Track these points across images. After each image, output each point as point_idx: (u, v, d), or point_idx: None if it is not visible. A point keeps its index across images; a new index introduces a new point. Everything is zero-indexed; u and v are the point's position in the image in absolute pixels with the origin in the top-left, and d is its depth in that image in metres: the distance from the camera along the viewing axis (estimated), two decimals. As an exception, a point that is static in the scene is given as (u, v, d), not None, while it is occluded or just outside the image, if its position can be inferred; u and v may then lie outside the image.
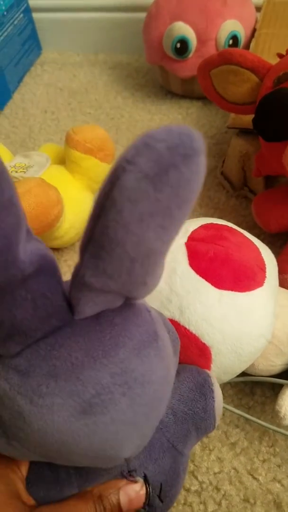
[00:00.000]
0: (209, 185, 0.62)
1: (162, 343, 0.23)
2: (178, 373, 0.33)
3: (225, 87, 0.49)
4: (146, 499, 0.27)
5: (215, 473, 0.39)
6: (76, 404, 0.20)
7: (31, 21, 0.87)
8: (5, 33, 0.79)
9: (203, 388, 0.32)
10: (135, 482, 0.27)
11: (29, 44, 0.87)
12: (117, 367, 0.20)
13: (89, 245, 0.17)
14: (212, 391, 0.32)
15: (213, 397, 0.32)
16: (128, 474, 0.27)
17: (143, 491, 0.27)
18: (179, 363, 0.35)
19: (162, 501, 0.29)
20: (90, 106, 0.79)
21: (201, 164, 0.16)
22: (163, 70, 0.74)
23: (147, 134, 0.15)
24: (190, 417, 0.31)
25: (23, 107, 0.80)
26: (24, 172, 0.52)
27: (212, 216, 0.58)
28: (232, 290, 0.33)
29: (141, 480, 0.27)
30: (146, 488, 0.27)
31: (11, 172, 0.52)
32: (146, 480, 0.27)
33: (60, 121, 0.77)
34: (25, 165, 0.54)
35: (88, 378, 0.20)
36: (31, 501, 0.26)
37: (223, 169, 0.61)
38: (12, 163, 0.55)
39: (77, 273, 0.18)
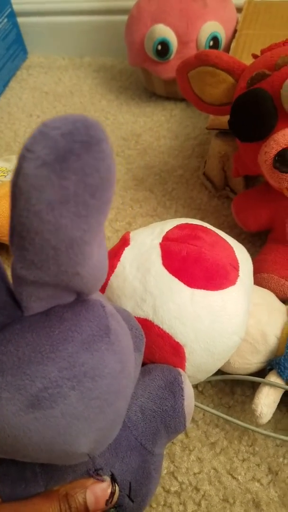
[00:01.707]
0: (192, 186, 0.62)
1: (116, 337, 0.23)
2: (149, 371, 0.33)
3: (203, 88, 0.49)
4: (112, 497, 0.27)
5: (195, 474, 0.39)
6: (24, 398, 0.20)
7: (15, 25, 0.88)
8: (-11, 38, 0.79)
9: (173, 386, 0.32)
10: (102, 481, 0.27)
11: (14, 48, 0.88)
12: (65, 361, 0.21)
13: (13, 237, 0.17)
14: (181, 389, 0.32)
15: (182, 395, 0.32)
16: (94, 473, 0.27)
17: (109, 490, 0.27)
18: (154, 362, 0.35)
19: (132, 501, 0.29)
20: (75, 110, 0.79)
21: (105, 152, 0.16)
22: (146, 72, 0.74)
23: (43, 122, 0.15)
24: (159, 415, 0.31)
25: (9, 111, 0.81)
26: (5, 176, 0.52)
27: (194, 216, 0.58)
28: (204, 288, 0.33)
29: (108, 478, 0.27)
30: (113, 487, 0.27)
31: (-9, 175, 0.52)
32: (113, 479, 0.27)
33: (44, 124, 0.77)
34: (6, 169, 0.54)
35: (35, 373, 0.20)
36: None
37: (205, 170, 0.61)
38: (-7, 167, 0.55)
39: (12, 266, 0.19)
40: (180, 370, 0.34)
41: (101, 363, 0.22)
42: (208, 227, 0.38)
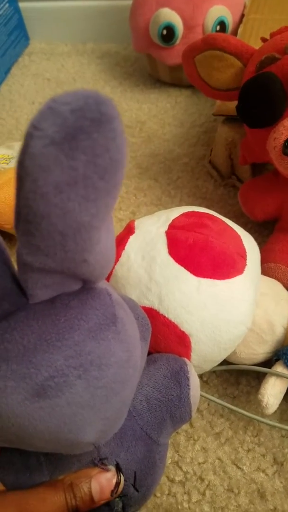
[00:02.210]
0: (197, 175, 0.61)
1: (122, 326, 0.22)
2: (155, 361, 0.33)
3: (209, 73, 0.48)
4: (117, 487, 0.26)
5: (199, 463, 0.39)
6: (29, 387, 0.20)
7: (17, 10, 0.86)
8: (-9, 23, 0.78)
9: (178, 375, 0.32)
10: (107, 470, 0.27)
11: (16, 34, 0.86)
12: (72, 350, 0.20)
13: (19, 222, 0.16)
14: (187, 379, 0.32)
15: (188, 385, 0.32)
16: (99, 462, 0.27)
17: (114, 479, 0.26)
18: (159, 352, 0.34)
19: (137, 490, 0.28)
20: (78, 96, 0.78)
21: (117, 130, 0.15)
22: (151, 58, 0.73)
23: (52, 98, 0.14)
24: (164, 404, 0.31)
25: (10, 99, 0.79)
26: (7, 163, 0.51)
27: (199, 205, 0.57)
28: (211, 277, 0.33)
29: (113, 468, 0.27)
30: (119, 477, 0.27)
31: (-6, 163, 0.51)
32: (118, 468, 0.27)
33: (47, 111, 0.76)
34: (8, 156, 0.53)
35: (40, 361, 0.20)
36: (0, 486, 0.26)
37: (211, 158, 0.60)
38: (-4, 154, 0.54)
39: (17, 253, 0.18)
40: (186, 359, 0.34)
41: (107, 352, 0.21)
42: (215, 215, 0.38)
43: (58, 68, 0.85)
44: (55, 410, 0.20)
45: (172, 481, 0.38)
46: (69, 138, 0.14)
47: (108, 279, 0.37)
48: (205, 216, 0.37)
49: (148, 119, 0.71)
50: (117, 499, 0.28)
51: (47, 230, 0.16)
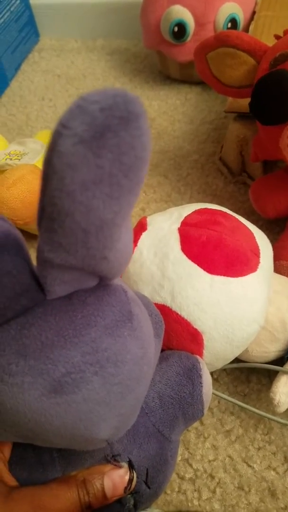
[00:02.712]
0: (207, 172, 0.61)
1: (138, 323, 0.22)
2: (167, 358, 0.33)
3: (222, 70, 0.48)
4: (130, 484, 0.26)
5: (209, 461, 0.39)
6: (47, 383, 0.20)
7: (28, 7, 0.86)
8: (1, 20, 0.78)
9: (191, 373, 0.32)
10: (120, 467, 0.27)
11: (27, 31, 0.86)
12: (89, 346, 0.20)
13: (42, 219, 0.17)
14: (200, 376, 0.32)
15: (201, 383, 0.32)
16: (112, 459, 0.27)
17: (127, 476, 0.26)
18: (171, 349, 0.34)
19: (149, 487, 0.28)
20: (88, 93, 0.78)
21: (143, 128, 0.15)
22: (161, 55, 0.72)
23: (81, 96, 0.14)
24: (177, 402, 0.31)
25: (21, 95, 0.79)
26: (19, 159, 0.51)
27: (209, 202, 0.57)
28: (224, 275, 0.33)
29: (125, 465, 0.27)
30: (131, 473, 0.27)
31: (5, 159, 0.51)
32: (131, 465, 0.27)
33: (57, 108, 0.76)
34: (20, 152, 0.53)
35: (58, 357, 0.20)
36: (13, 482, 0.26)
37: (221, 154, 0.60)
38: (7, 150, 0.54)
39: (38, 249, 0.18)
40: (198, 357, 0.34)
41: (123, 349, 0.21)
42: (228, 212, 0.38)
43: (68, 65, 0.85)
44: (72, 406, 0.20)
45: (182, 478, 0.38)
46: (98, 137, 0.14)
47: (120, 276, 0.37)
48: (218, 213, 0.37)
49: (158, 116, 0.71)
50: (129, 496, 0.28)
51: (70, 228, 0.16)
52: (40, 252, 0.18)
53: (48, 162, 0.15)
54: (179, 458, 0.39)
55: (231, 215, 0.37)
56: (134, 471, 0.27)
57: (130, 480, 0.27)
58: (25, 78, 0.83)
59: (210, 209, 0.37)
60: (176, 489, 0.38)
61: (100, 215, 0.16)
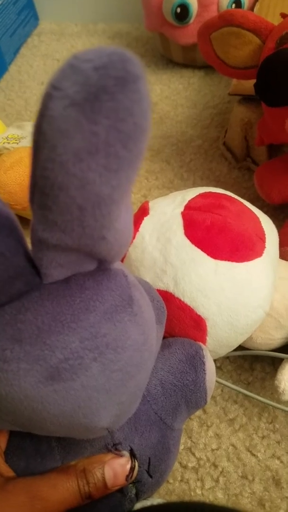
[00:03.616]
0: (211, 157, 0.60)
1: (139, 309, 0.21)
2: (169, 345, 0.32)
3: (226, 51, 0.46)
4: (131, 473, 0.26)
5: (213, 450, 0.38)
6: (43, 369, 0.19)
7: (27, -11, 0.84)
8: None
9: (194, 360, 0.31)
10: (121, 456, 0.26)
11: (25, 14, 0.84)
12: (87, 332, 0.19)
13: (34, 194, 0.15)
14: (203, 363, 0.31)
15: (204, 370, 0.31)
16: (113, 447, 0.26)
17: (129, 465, 0.26)
18: (174, 336, 0.33)
19: (151, 476, 0.28)
20: (89, 78, 0.76)
21: (142, 92, 0.14)
22: (164, 38, 0.71)
23: (74, 55, 0.13)
24: (180, 389, 0.30)
25: (20, 79, 0.78)
26: (17, 143, 0.50)
27: (213, 189, 0.56)
28: (229, 260, 0.32)
29: (127, 453, 0.26)
30: (133, 462, 0.26)
31: (3, 143, 0.50)
32: (132, 454, 0.26)
33: (57, 93, 0.74)
34: (18, 136, 0.52)
35: (55, 343, 0.19)
36: (10, 472, 0.25)
37: (225, 139, 0.58)
38: (5, 134, 0.53)
39: (32, 229, 0.17)
40: (201, 344, 0.33)
41: (123, 335, 0.20)
42: (233, 196, 0.36)
43: (68, 49, 0.83)
44: (70, 393, 0.20)
45: (185, 467, 0.38)
46: (92, 99, 0.13)
47: (121, 261, 0.37)
48: (223, 197, 0.35)
49: (160, 100, 0.69)
50: (130, 485, 0.27)
51: (65, 204, 0.15)
52: (34, 232, 0.17)
53: (38, 129, 0.14)
54: (181, 446, 0.39)
55: (236, 199, 0.36)
56: (135, 460, 0.26)
57: (132, 469, 0.26)
58: (24, 62, 0.81)
59: (215, 192, 0.36)
60: (179, 478, 0.37)
61: (96, 190, 0.15)
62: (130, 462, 0.26)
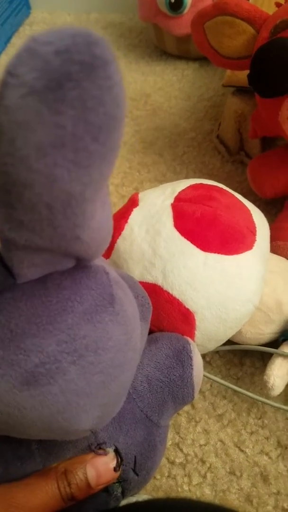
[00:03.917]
0: (204, 150, 0.59)
1: (121, 307, 0.20)
2: (156, 340, 0.31)
3: (220, 41, 0.46)
4: (117, 471, 0.25)
5: (200, 445, 0.38)
6: (18, 374, 0.18)
7: (19, -23, 0.82)
8: (-9, -11, 0.74)
9: (181, 355, 0.30)
10: (105, 454, 0.25)
11: (17, 3, 0.83)
12: (65, 334, 0.18)
13: None
14: (190, 358, 0.30)
15: (191, 365, 0.30)
16: (96, 448, 0.25)
17: (113, 464, 0.25)
18: (162, 330, 0.33)
19: (137, 474, 0.27)
20: (81, 68, 0.75)
21: (113, 79, 0.13)
22: (157, 28, 0.70)
23: (32, 36, 0.12)
24: (166, 385, 0.30)
25: (11, 69, 0.76)
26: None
27: (205, 182, 0.56)
28: (218, 252, 0.31)
29: (111, 450, 0.25)
30: (118, 461, 0.25)
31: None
32: (117, 453, 0.26)
33: (49, 83, 0.73)
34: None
35: (30, 347, 0.18)
36: None
37: (219, 132, 0.58)
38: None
39: None
40: (189, 339, 0.32)
41: (104, 336, 0.20)
42: (224, 188, 0.36)
43: (60, 39, 0.82)
44: (48, 398, 0.19)
45: (172, 463, 0.37)
46: (53, 87, 0.12)
47: (109, 253, 0.36)
48: (214, 188, 0.35)
49: (153, 92, 0.68)
50: (116, 484, 0.26)
51: (30, 202, 0.14)
52: (1, 231, 0.16)
53: None
54: (169, 442, 0.38)
55: (227, 191, 0.35)
56: (121, 459, 0.26)
57: (118, 466, 0.26)
58: (15, 52, 0.80)
59: (206, 184, 0.36)
60: (166, 474, 0.37)
61: (66, 187, 0.14)
62: (114, 459, 0.25)
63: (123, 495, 0.28)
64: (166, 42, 0.71)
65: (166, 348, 0.31)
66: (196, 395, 0.32)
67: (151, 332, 0.32)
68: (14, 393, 0.18)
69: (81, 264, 0.20)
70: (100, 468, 0.24)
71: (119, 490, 0.27)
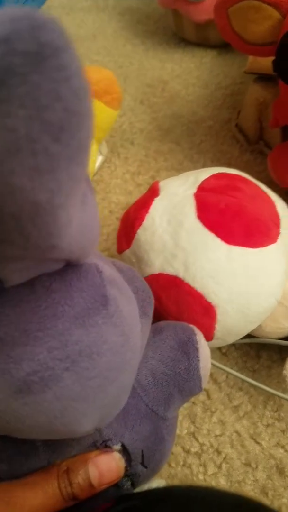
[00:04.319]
0: (222, 139, 0.58)
1: (115, 308, 0.20)
2: (161, 331, 0.30)
3: (244, 26, 0.45)
4: (126, 467, 0.25)
5: (216, 436, 0.38)
6: (10, 383, 0.17)
7: None
8: None
9: (186, 346, 0.29)
10: (110, 452, 0.24)
11: (34, -16, 0.81)
12: (56, 340, 0.18)
13: None
14: (196, 350, 0.29)
15: (197, 357, 0.29)
16: (102, 445, 0.25)
17: (118, 462, 0.24)
18: (181, 321, 0.32)
19: (146, 467, 0.27)
20: (98, 54, 0.74)
21: (69, 68, 0.11)
22: (177, 14, 0.68)
23: None
24: (172, 378, 0.28)
25: (27, 54, 0.76)
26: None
27: (223, 172, 0.55)
28: (242, 245, 0.31)
29: (117, 448, 0.25)
30: (126, 458, 0.25)
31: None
32: (124, 449, 0.25)
33: (65, 69, 0.72)
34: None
35: (20, 355, 0.17)
36: None
37: (238, 121, 0.57)
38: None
39: None
40: (195, 328, 0.31)
41: (98, 339, 0.19)
42: (248, 177, 0.35)
43: (78, 24, 0.80)
44: (43, 405, 0.18)
45: (187, 452, 0.38)
46: None
47: (130, 244, 0.36)
48: (238, 178, 0.34)
49: (171, 79, 0.67)
50: (125, 478, 0.26)
51: None
52: None
53: None
54: (184, 431, 0.38)
55: (251, 181, 0.35)
56: (129, 455, 0.25)
57: (125, 464, 0.25)
58: None
59: (229, 173, 0.35)
60: (181, 463, 0.37)
61: (29, 196, 0.12)
62: (119, 458, 0.25)
63: (133, 486, 0.27)
64: (184, 29, 0.70)
65: (170, 339, 0.29)
66: (204, 386, 0.31)
67: (158, 320, 0.31)
68: (8, 401, 0.18)
69: (71, 264, 0.19)
70: (103, 467, 0.23)
71: (129, 483, 0.27)
